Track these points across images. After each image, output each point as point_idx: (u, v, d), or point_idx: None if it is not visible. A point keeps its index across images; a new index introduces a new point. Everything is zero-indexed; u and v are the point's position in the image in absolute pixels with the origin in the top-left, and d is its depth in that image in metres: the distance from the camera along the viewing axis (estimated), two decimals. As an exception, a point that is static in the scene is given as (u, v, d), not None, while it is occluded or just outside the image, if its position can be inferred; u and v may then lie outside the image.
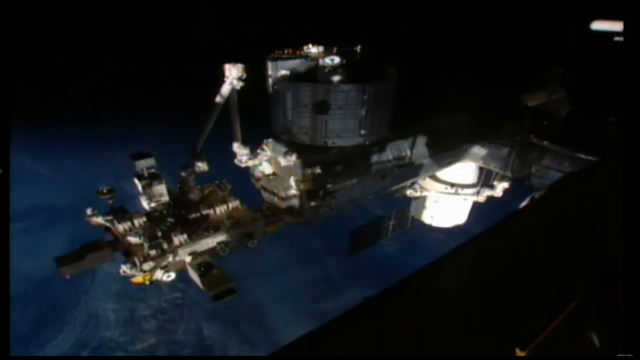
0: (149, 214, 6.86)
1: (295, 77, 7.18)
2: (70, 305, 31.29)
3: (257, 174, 8.05)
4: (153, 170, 6.76)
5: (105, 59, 40.48)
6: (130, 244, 6.38)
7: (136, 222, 6.67)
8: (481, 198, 10.66)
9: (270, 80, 7.36)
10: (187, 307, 31.95)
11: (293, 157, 7.11)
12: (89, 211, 6.54)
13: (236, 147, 7.37)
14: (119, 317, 31.37)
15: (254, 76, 6.93)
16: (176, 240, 6.41)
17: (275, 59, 7.24)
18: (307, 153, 7.26)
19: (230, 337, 30.46)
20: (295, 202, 7.46)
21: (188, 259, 6.54)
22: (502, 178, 10.23)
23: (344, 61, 7.01)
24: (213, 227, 6.84)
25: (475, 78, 11.01)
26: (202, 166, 6.94)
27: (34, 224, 34.30)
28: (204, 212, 7.15)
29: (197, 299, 31.51)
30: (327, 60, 6.97)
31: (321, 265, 34.40)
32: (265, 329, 30.55)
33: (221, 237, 6.83)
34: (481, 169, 10.30)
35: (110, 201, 6.75)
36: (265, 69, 7.34)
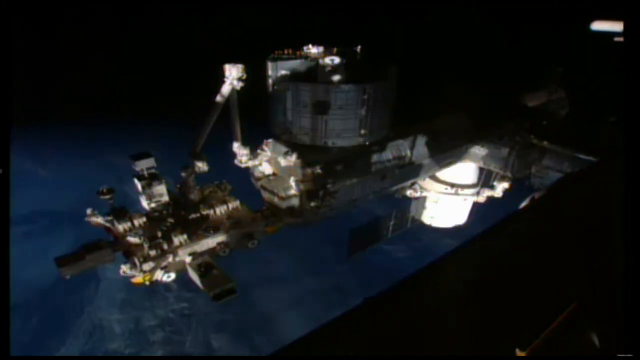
0: (149, 214, 6.86)
1: (295, 77, 7.18)
2: (73, 314, 30.45)
3: (257, 173, 8.05)
4: (153, 171, 6.76)
5: (106, 59, 40.49)
6: (130, 244, 6.38)
7: (136, 222, 6.67)
8: (481, 198, 10.65)
9: (270, 80, 7.36)
10: (195, 318, 30.95)
11: (293, 158, 7.11)
12: (88, 211, 6.54)
13: (236, 147, 7.36)
14: (124, 328, 30.36)
15: (254, 76, 6.92)
16: (176, 240, 6.41)
17: (275, 59, 7.24)
18: (307, 153, 7.25)
19: (240, 349, 29.41)
20: (295, 202, 7.45)
21: (188, 259, 6.54)
22: (502, 178, 10.22)
23: (344, 61, 7.01)
24: (213, 227, 6.84)
25: (475, 78, 11.01)
26: (202, 166, 6.93)
27: (35, 228, 33.49)
28: (204, 212, 7.15)
29: (205, 309, 30.69)
30: (327, 60, 6.97)
31: (331, 273, 33.03)
32: (275, 339, 29.47)
33: (221, 238, 6.83)
34: (481, 169, 10.29)
35: (110, 201, 6.75)
36: (265, 69, 7.34)
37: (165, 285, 30.77)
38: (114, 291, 31.40)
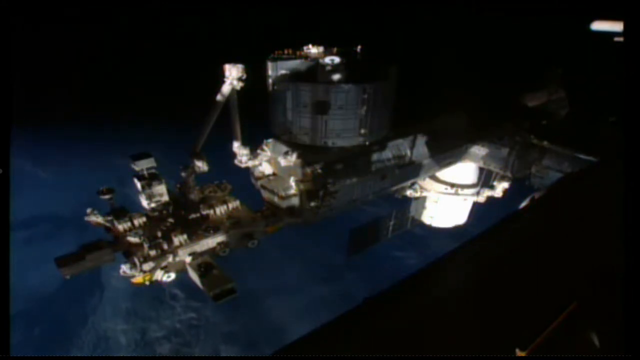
0: (148, 214, 6.86)
1: (295, 77, 7.18)
2: (77, 325, 29.32)
3: (257, 173, 8.06)
4: (153, 171, 6.76)
5: (108, 60, 40.45)
6: (130, 244, 6.38)
7: (136, 222, 6.67)
8: (481, 198, 10.66)
9: (270, 80, 7.36)
10: (203, 329, 29.61)
11: (293, 158, 7.11)
12: (88, 210, 6.54)
13: (236, 147, 7.37)
14: (129, 339, 28.98)
15: (254, 76, 6.93)
16: (176, 240, 6.41)
17: (275, 59, 7.24)
18: (307, 153, 7.26)
19: (250, 361, 28.17)
20: (295, 201, 7.46)
21: (188, 259, 6.54)
22: (502, 178, 10.22)
23: (344, 61, 7.01)
24: (213, 227, 6.84)
25: (475, 78, 11.01)
26: (202, 166, 6.93)
27: (36, 233, 32.34)
28: (204, 212, 7.15)
29: (213, 320, 29.79)
30: (327, 60, 6.97)
31: (340, 281, 32.30)
32: (286, 351, 28.45)
33: (221, 238, 6.83)
34: (481, 169, 10.29)
35: (110, 201, 6.75)
36: (265, 69, 7.34)
37: (172, 295, 30.46)
38: (118, 300, 30.49)
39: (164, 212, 6.91)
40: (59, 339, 28.36)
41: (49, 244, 30.35)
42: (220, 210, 7.32)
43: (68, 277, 5.92)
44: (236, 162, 7.53)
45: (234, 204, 7.45)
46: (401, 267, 31.50)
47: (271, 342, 28.91)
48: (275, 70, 7.20)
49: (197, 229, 6.77)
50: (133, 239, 6.35)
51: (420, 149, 8.67)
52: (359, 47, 7.72)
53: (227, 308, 28.52)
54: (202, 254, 6.67)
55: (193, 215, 7.00)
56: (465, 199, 10.71)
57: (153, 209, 6.86)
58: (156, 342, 29.42)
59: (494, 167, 9.61)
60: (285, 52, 7.43)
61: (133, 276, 6.13)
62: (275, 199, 7.53)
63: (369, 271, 30.36)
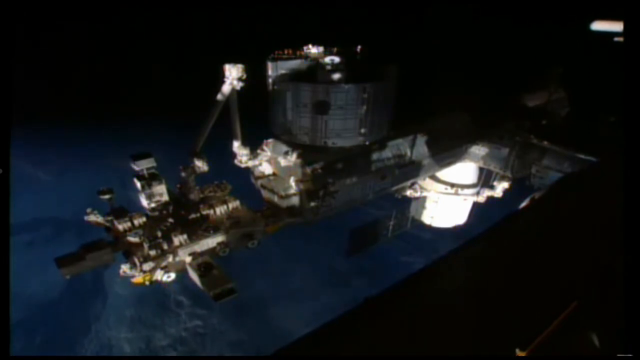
0: (149, 214, 6.85)
1: (295, 77, 7.18)
2: (79, 332, 28.45)
3: (257, 173, 8.06)
4: (153, 171, 6.76)
5: (108, 60, 40.39)
6: (130, 244, 6.38)
7: (136, 222, 6.66)
8: (481, 198, 10.66)
9: (270, 80, 7.37)
10: (209, 337, 28.96)
11: (293, 157, 7.11)
12: (88, 210, 6.54)
13: (236, 147, 7.36)
14: (134, 348, 28.27)
15: (254, 76, 6.93)
16: (176, 240, 6.41)
17: (275, 59, 7.25)
18: (307, 153, 7.26)
19: (257, 370, 26.98)
20: (295, 200, 7.46)
21: (188, 259, 6.54)
22: (502, 178, 10.23)
23: (344, 61, 7.02)
24: (213, 227, 6.84)
25: (475, 78, 11.02)
26: (202, 166, 6.93)
27: (37, 237, 31.71)
28: (204, 212, 7.15)
29: (219, 327, 29.03)
30: (327, 60, 6.98)
31: (350, 287, 31.54)
32: None
33: (221, 238, 6.83)
34: (481, 169, 10.30)
35: (110, 201, 6.75)
36: (265, 69, 7.34)
37: (177, 301, 30.16)
38: (122, 307, 29.83)
39: (164, 212, 6.90)
40: (60, 347, 27.68)
41: (50, 248, 29.98)
42: (220, 210, 7.32)
43: (68, 277, 5.91)
44: (236, 162, 7.53)
45: (234, 203, 7.45)
46: (409, 269, 31.16)
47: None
48: (275, 70, 7.20)
49: (197, 229, 6.76)
50: (133, 239, 6.35)
51: (420, 149, 8.67)
52: (359, 47, 7.72)
53: (234, 315, 28.22)
54: (202, 254, 6.67)
55: (193, 215, 7.00)
56: (465, 199, 10.71)
57: (153, 209, 6.85)
58: (161, 351, 28.73)
59: (494, 167, 9.61)
60: (285, 52, 7.43)
61: (133, 276, 6.13)
62: (276, 199, 7.52)
63: (377, 276, 30.12)
